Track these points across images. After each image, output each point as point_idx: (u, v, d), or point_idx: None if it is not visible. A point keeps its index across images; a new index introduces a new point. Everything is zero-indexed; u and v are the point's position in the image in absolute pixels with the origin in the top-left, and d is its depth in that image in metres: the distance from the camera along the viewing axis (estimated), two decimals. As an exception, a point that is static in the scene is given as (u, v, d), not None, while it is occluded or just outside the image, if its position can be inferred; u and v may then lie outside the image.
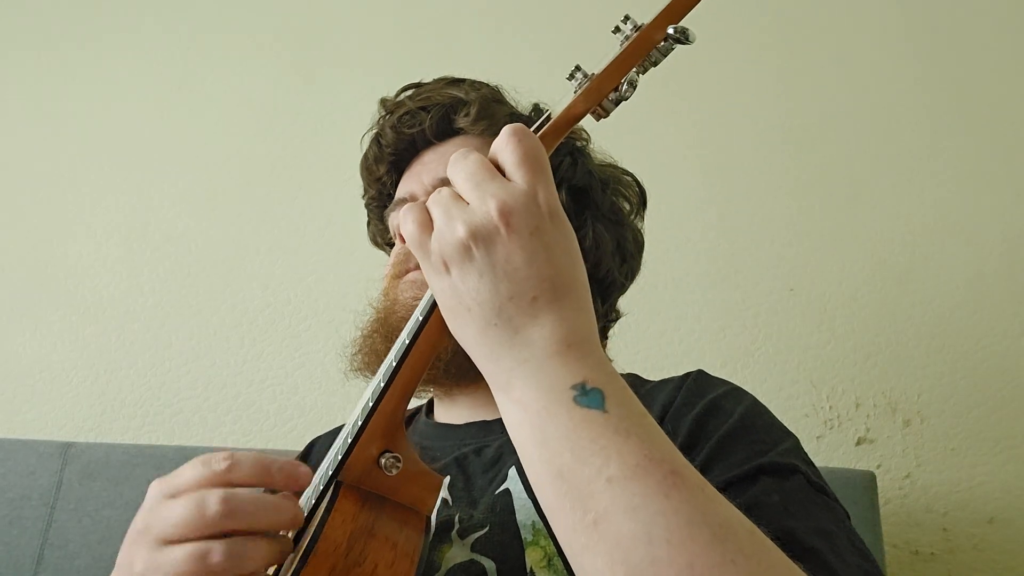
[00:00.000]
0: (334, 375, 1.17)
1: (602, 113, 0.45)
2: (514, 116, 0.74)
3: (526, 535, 0.55)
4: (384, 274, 0.73)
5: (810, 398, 1.06)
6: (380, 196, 0.79)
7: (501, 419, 0.64)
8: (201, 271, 1.24)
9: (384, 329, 0.65)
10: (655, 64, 0.44)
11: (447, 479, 0.61)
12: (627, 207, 0.76)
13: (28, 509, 1.00)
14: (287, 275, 1.23)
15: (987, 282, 1.08)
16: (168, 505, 0.42)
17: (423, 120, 0.72)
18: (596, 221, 0.71)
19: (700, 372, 0.66)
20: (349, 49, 1.33)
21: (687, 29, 0.42)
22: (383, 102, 0.76)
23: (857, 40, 1.21)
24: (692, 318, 1.11)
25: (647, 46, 0.43)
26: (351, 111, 1.28)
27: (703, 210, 1.16)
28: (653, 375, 0.68)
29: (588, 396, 0.38)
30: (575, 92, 0.45)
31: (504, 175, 0.42)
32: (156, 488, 0.44)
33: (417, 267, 0.66)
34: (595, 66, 0.45)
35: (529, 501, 0.57)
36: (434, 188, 0.68)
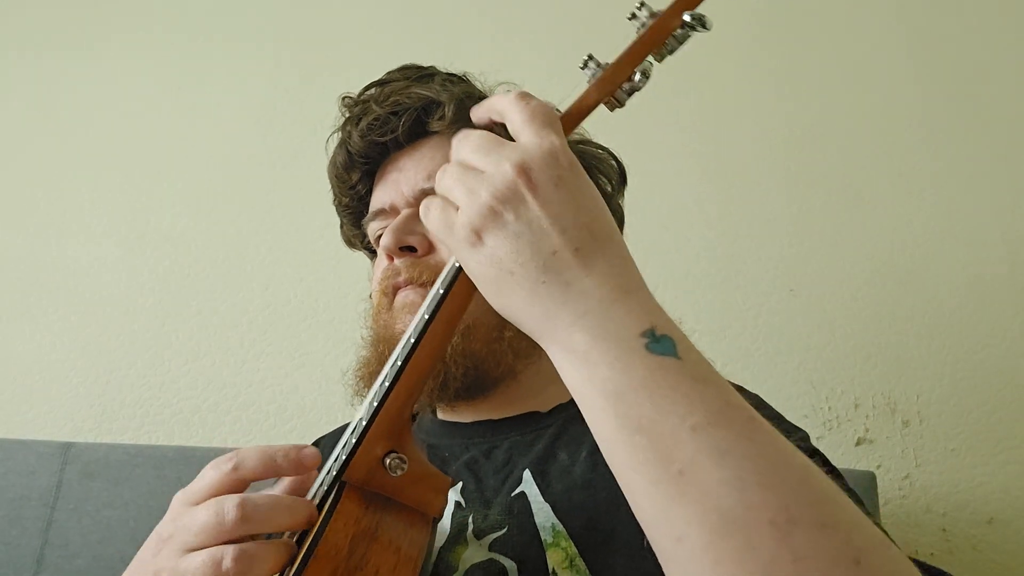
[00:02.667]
0: (334, 375, 1.18)
1: (616, 103, 0.44)
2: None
3: (546, 536, 0.55)
4: (372, 289, 0.71)
5: (810, 399, 1.06)
6: (353, 203, 0.77)
7: (508, 419, 0.65)
8: (201, 271, 1.24)
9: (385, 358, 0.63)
10: (671, 52, 0.43)
11: (459, 484, 0.61)
12: (609, 188, 0.74)
13: (28, 509, 1.00)
14: (287, 275, 1.23)
15: (987, 283, 1.08)
16: (190, 513, 0.43)
17: (394, 126, 0.69)
18: None
19: None
20: (349, 48, 1.33)
21: (704, 16, 0.42)
22: (347, 105, 0.73)
23: (857, 41, 1.21)
24: (692, 318, 1.11)
25: (663, 34, 0.43)
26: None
27: (703, 210, 1.16)
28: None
29: (660, 343, 0.37)
30: (588, 82, 0.44)
31: (511, 139, 0.41)
32: (179, 498, 0.46)
33: (407, 284, 0.64)
34: (609, 56, 0.43)
35: (546, 504, 0.56)
36: (415, 199, 0.67)
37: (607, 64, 0.43)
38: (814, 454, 0.56)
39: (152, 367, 1.20)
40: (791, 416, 0.63)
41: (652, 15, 0.43)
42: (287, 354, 1.19)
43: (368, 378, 0.65)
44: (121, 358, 1.21)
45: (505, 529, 0.56)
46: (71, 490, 1.01)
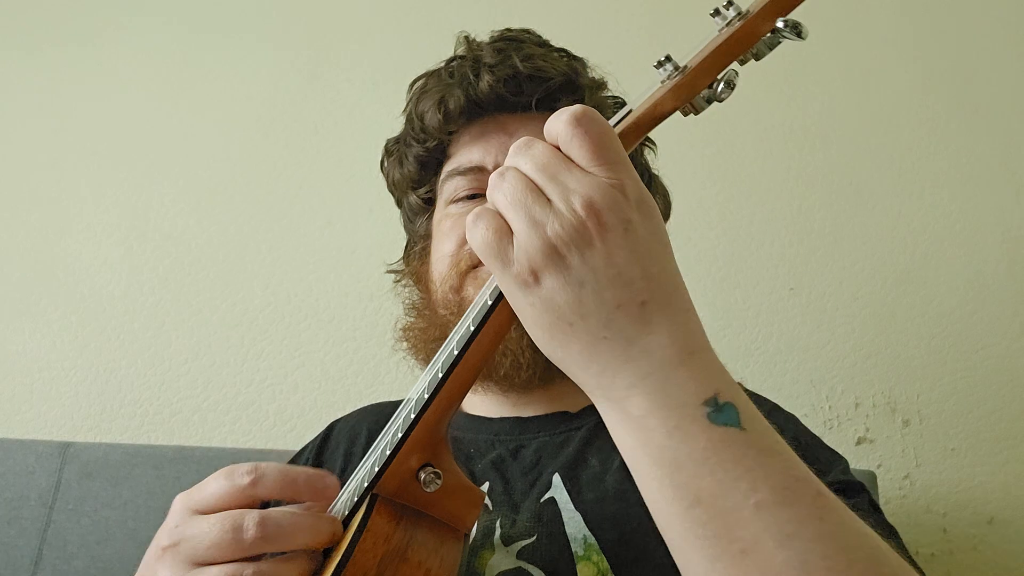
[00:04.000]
0: (334, 375, 1.18)
1: (692, 111, 0.40)
2: (619, 106, 0.67)
3: (577, 549, 0.53)
4: (444, 250, 0.66)
5: (810, 398, 1.06)
6: (435, 148, 0.70)
7: (537, 417, 0.64)
8: (201, 270, 1.24)
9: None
10: (756, 58, 0.39)
11: (486, 485, 0.59)
12: None
13: (26, 509, 1.00)
14: (287, 275, 1.23)
15: (987, 282, 1.08)
16: (199, 523, 0.41)
17: (531, 90, 0.64)
18: None
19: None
20: (351, 47, 1.33)
21: (800, 24, 0.37)
22: (473, 47, 0.68)
23: (859, 40, 1.21)
24: (692, 318, 1.11)
25: (752, 38, 0.38)
26: (353, 110, 1.28)
27: (704, 210, 1.16)
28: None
29: (723, 412, 0.34)
30: (662, 83, 0.39)
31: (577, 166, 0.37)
32: (181, 502, 0.43)
33: None
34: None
35: (577, 514, 0.55)
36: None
37: (686, 67, 0.39)
38: (859, 489, 0.54)
39: (152, 367, 1.20)
40: (791, 415, 0.63)
41: (740, 16, 0.38)
42: (287, 354, 1.18)
43: (421, 345, 0.63)
44: (121, 358, 1.21)
45: (535, 537, 0.54)
46: (70, 490, 1.00)
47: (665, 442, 0.34)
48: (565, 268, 0.35)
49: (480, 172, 0.66)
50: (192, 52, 1.37)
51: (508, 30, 0.70)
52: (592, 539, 0.53)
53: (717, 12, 0.38)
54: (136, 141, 1.33)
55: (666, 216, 0.73)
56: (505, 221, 0.37)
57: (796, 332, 1.09)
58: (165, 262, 1.26)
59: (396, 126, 0.78)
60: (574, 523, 0.54)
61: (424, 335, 0.64)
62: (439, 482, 0.43)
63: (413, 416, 0.43)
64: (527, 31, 0.70)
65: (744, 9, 0.38)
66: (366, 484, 0.44)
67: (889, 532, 0.52)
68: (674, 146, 1.20)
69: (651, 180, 0.72)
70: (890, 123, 1.16)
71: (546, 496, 0.57)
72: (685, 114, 0.40)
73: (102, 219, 1.29)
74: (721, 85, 0.39)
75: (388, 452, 0.43)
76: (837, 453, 0.59)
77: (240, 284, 1.23)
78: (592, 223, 0.35)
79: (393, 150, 0.75)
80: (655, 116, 0.40)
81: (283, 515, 0.41)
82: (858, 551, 0.33)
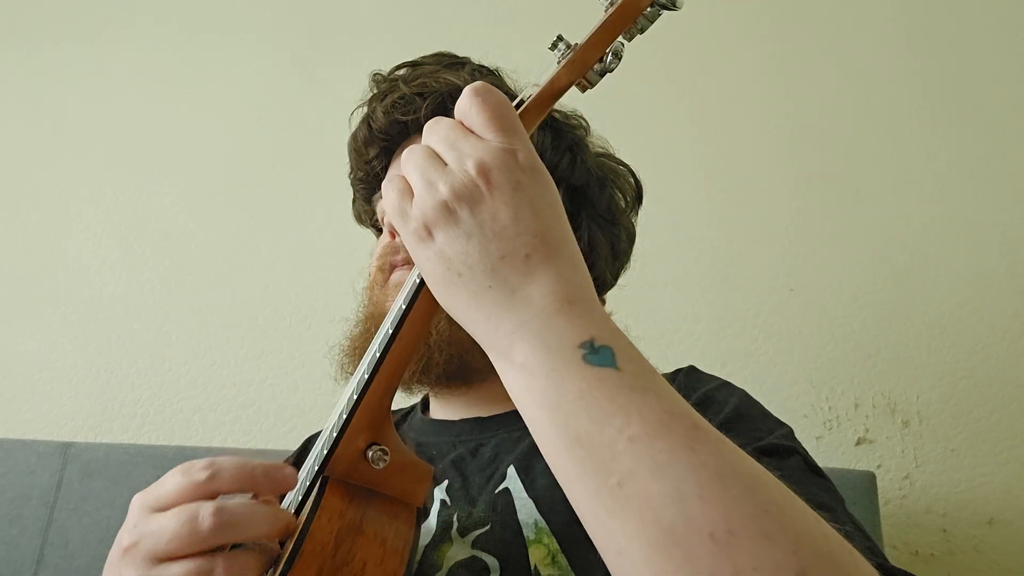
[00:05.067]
0: (334, 375, 1.18)
1: (587, 85, 0.44)
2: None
3: (528, 533, 0.55)
4: (370, 265, 0.71)
5: (809, 398, 1.06)
6: (368, 177, 0.77)
7: (496, 416, 0.66)
8: (201, 270, 1.25)
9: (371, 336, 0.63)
10: (641, 31, 0.43)
11: (445, 483, 0.61)
12: (623, 204, 0.75)
13: (28, 508, 1.00)
14: (287, 275, 1.23)
15: (987, 282, 1.07)
16: (156, 520, 0.41)
17: (418, 107, 0.69)
18: (592, 222, 0.70)
19: (691, 368, 0.67)
20: (350, 47, 1.33)
21: None
22: (376, 81, 0.74)
23: (858, 39, 1.21)
24: (692, 318, 1.11)
25: (633, 12, 0.42)
26: (352, 109, 1.28)
27: (703, 210, 1.16)
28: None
29: (598, 354, 0.36)
30: (558, 63, 0.43)
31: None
32: (138, 502, 0.44)
33: (404, 263, 0.65)
34: (579, 36, 0.43)
35: (530, 500, 0.56)
36: None
37: (577, 45, 0.43)
38: (791, 452, 0.55)
39: (152, 367, 1.20)
40: (790, 416, 0.63)
41: None
42: (287, 354, 1.19)
43: (354, 353, 0.66)
44: (121, 358, 1.21)
45: (488, 526, 0.56)
46: (71, 490, 1.01)
47: (545, 385, 0.36)
48: (455, 222, 0.38)
49: None
50: (191, 52, 1.38)
51: (419, 58, 0.74)
52: (543, 523, 0.55)
53: None
54: (135, 141, 1.33)
55: (639, 200, 0.77)
56: (409, 184, 0.40)
57: (796, 333, 1.09)
58: (165, 262, 1.26)
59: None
60: (526, 510, 0.56)
61: (354, 341, 0.67)
62: (387, 459, 0.45)
63: (356, 397, 0.45)
64: (438, 54, 0.74)
65: None
66: (316, 468, 0.46)
67: (823, 487, 0.53)
68: (674, 146, 1.20)
69: (602, 183, 0.73)
70: (890, 123, 1.16)
71: (500, 487, 0.59)
72: (583, 89, 0.44)
73: (102, 220, 1.30)
74: (609, 56, 0.43)
75: (335, 434, 0.45)
76: (782, 423, 0.60)
77: (240, 284, 1.23)
78: (482, 181, 0.38)
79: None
80: (553, 91, 0.44)
81: (238, 504, 0.42)
82: (734, 480, 0.33)
